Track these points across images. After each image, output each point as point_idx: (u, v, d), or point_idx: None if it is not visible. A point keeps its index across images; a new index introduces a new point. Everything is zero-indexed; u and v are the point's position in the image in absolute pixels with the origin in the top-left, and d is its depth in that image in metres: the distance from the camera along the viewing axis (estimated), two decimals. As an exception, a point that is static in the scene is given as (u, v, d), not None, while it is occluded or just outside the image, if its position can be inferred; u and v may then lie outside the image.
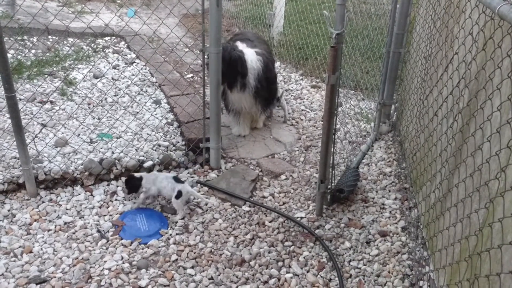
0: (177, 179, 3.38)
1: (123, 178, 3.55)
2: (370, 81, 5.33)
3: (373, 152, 4.21)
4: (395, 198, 3.58)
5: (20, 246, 2.95)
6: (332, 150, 3.20)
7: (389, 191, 3.68)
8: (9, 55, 3.45)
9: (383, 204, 3.52)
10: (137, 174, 3.40)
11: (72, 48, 5.90)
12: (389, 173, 3.90)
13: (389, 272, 2.88)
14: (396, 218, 3.36)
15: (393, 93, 4.56)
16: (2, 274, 2.74)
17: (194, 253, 3.01)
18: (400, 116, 4.54)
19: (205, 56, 3.67)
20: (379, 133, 4.46)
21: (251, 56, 4.07)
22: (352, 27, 5.93)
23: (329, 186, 3.36)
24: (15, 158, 3.45)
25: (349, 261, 2.98)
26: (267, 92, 4.27)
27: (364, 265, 2.95)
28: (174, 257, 2.96)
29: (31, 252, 2.93)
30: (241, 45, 4.17)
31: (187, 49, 6.44)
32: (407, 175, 3.77)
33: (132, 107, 4.51)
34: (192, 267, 2.89)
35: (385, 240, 3.15)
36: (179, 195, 3.27)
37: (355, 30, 5.92)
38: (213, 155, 3.88)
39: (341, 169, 3.77)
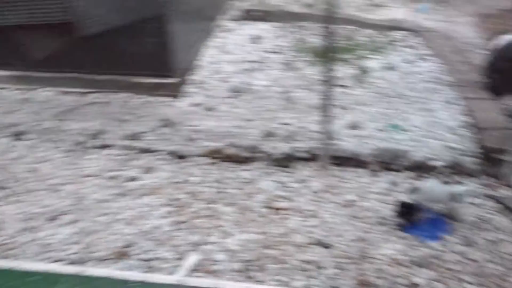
0: (447, 183, 3.22)
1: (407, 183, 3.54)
2: None
3: None
4: None
5: (309, 210, 3.30)
6: None
7: None
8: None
9: None
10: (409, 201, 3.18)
11: (367, 38, 6.14)
12: None
13: None
14: None
15: None
16: (294, 230, 3.12)
17: (476, 269, 2.79)
18: None
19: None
20: None
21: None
22: None
23: None
24: (314, 132, 3.82)
25: None
26: None
27: None
28: (451, 265, 2.81)
29: (317, 217, 3.24)
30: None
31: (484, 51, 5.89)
32: None
33: (423, 103, 4.42)
34: (473, 284, 2.69)
35: None
36: (459, 198, 3.11)
37: None
38: (508, 170, 3.48)
39: None
